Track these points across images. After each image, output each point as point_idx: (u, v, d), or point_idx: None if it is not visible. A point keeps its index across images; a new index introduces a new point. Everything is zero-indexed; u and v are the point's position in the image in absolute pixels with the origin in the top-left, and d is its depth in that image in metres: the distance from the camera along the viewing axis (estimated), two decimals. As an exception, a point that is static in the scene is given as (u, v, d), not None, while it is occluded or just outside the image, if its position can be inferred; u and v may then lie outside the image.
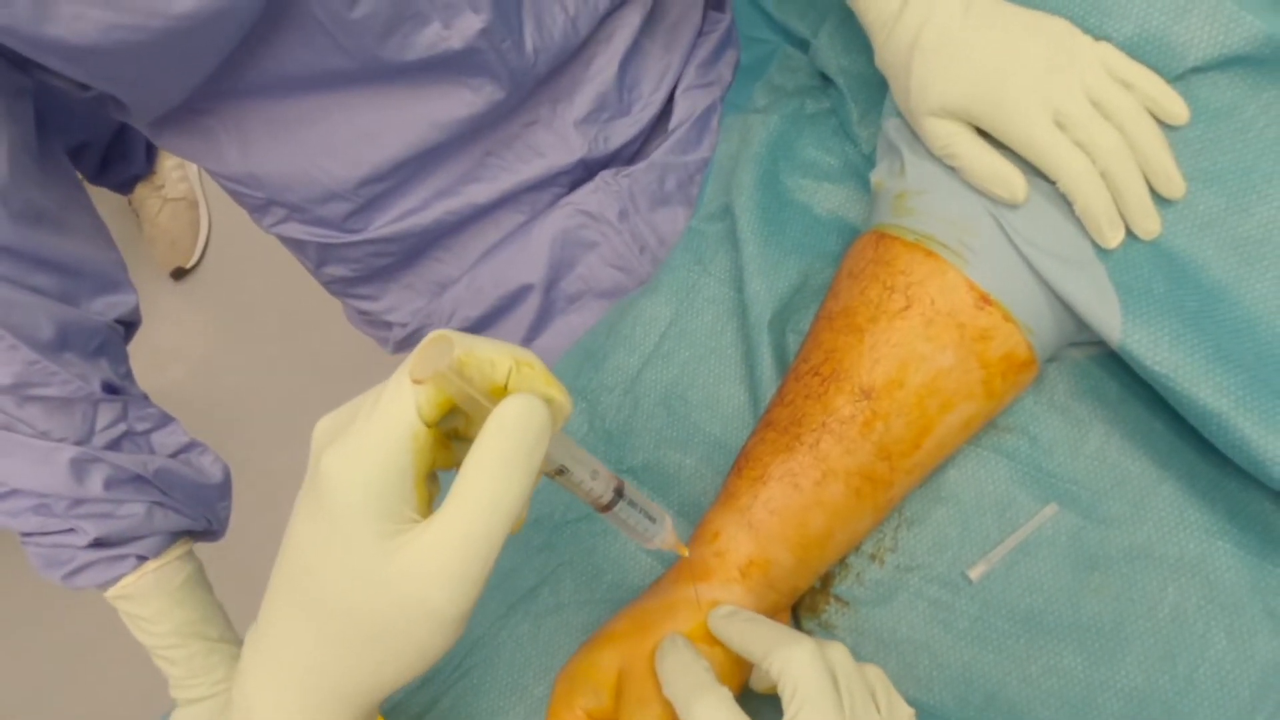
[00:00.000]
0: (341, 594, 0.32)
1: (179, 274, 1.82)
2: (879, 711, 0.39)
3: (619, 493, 0.40)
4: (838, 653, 0.40)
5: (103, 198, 1.83)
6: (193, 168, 1.85)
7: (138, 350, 0.72)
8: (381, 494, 0.32)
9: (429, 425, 0.32)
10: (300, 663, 0.34)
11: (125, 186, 1.77)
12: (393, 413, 0.32)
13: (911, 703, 0.49)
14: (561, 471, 0.38)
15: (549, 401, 0.34)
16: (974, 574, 0.50)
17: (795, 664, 0.38)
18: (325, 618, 0.33)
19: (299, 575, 0.34)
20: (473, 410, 0.33)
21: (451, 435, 0.37)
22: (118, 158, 1.68)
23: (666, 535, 0.43)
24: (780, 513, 0.47)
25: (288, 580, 0.34)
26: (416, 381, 0.32)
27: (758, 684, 0.46)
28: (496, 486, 0.32)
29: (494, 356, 0.33)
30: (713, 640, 0.45)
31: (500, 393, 0.34)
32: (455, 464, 0.37)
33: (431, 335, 0.33)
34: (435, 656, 0.33)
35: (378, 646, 0.33)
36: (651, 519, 0.42)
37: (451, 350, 0.32)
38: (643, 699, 0.43)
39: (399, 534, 0.32)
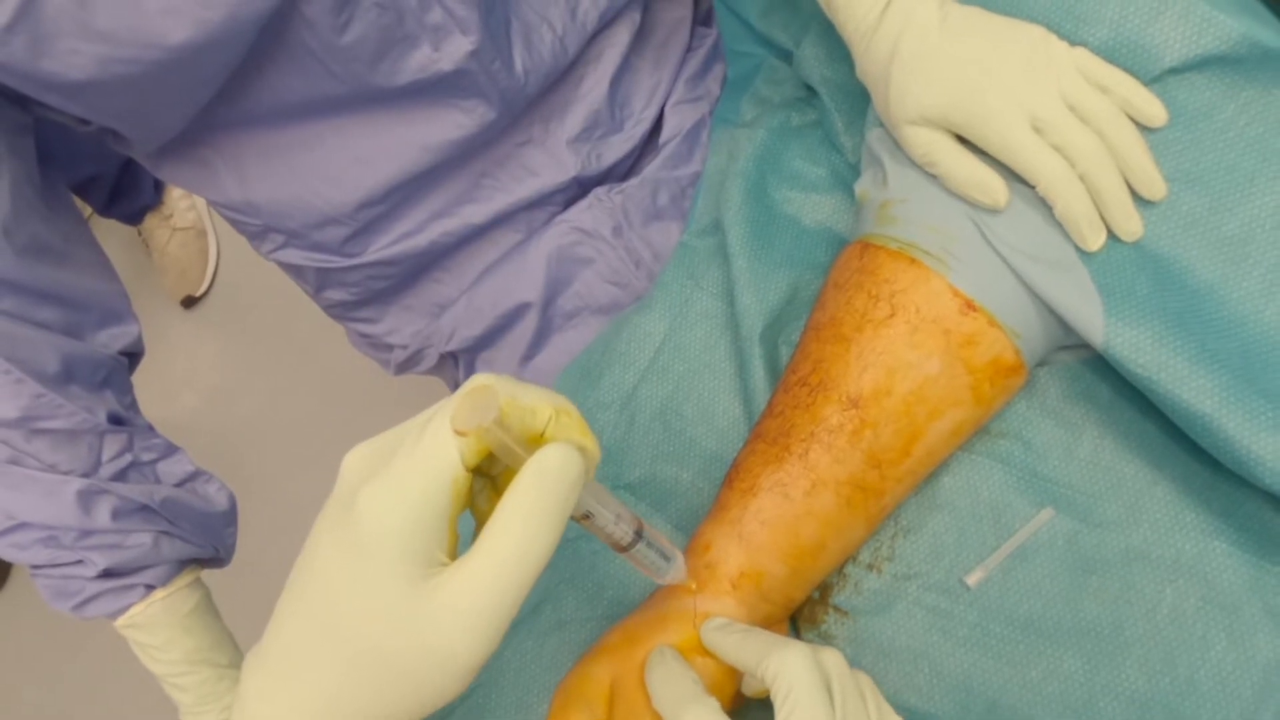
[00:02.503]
0: (367, 631, 0.32)
1: (189, 302, 1.84)
2: (870, 717, 0.39)
3: (638, 534, 0.40)
4: (831, 657, 0.40)
5: (112, 228, 1.86)
6: (200, 197, 1.87)
7: (149, 379, 0.72)
8: (418, 537, 0.32)
9: (468, 471, 0.33)
10: (315, 692, 0.34)
11: (134, 218, 1.79)
12: (436, 455, 0.32)
13: (913, 712, 0.49)
14: (587, 516, 0.38)
15: (581, 450, 0.34)
16: (972, 580, 0.50)
17: (789, 666, 0.38)
18: (347, 652, 0.33)
19: (322, 606, 0.33)
20: (506, 456, 0.33)
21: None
22: (126, 189, 1.69)
23: (678, 571, 0.43)
24: (771, 523, 0.47)
25: (307, 609, 0.34)
26: (460, 434, 0.32)
27: (748, 688, 0.46)
28: (530, 535, 0.32)
29: (535, 405, 0.34)
30: (704, 652, 0.45)
31: (537, 440, 0.34)
32: (470, 505, 0.37)
33: (476, 384, 0.33)
34: (450, 699, 0.33)
35: (397, 685, 0.33)
36: (666, 558, 0.42)
37: (496, 403, 0.32)
38: (633, 711, 0.44)
39: (430, 577, 0.32)
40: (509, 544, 0.32)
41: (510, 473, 0.38)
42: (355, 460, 0.35)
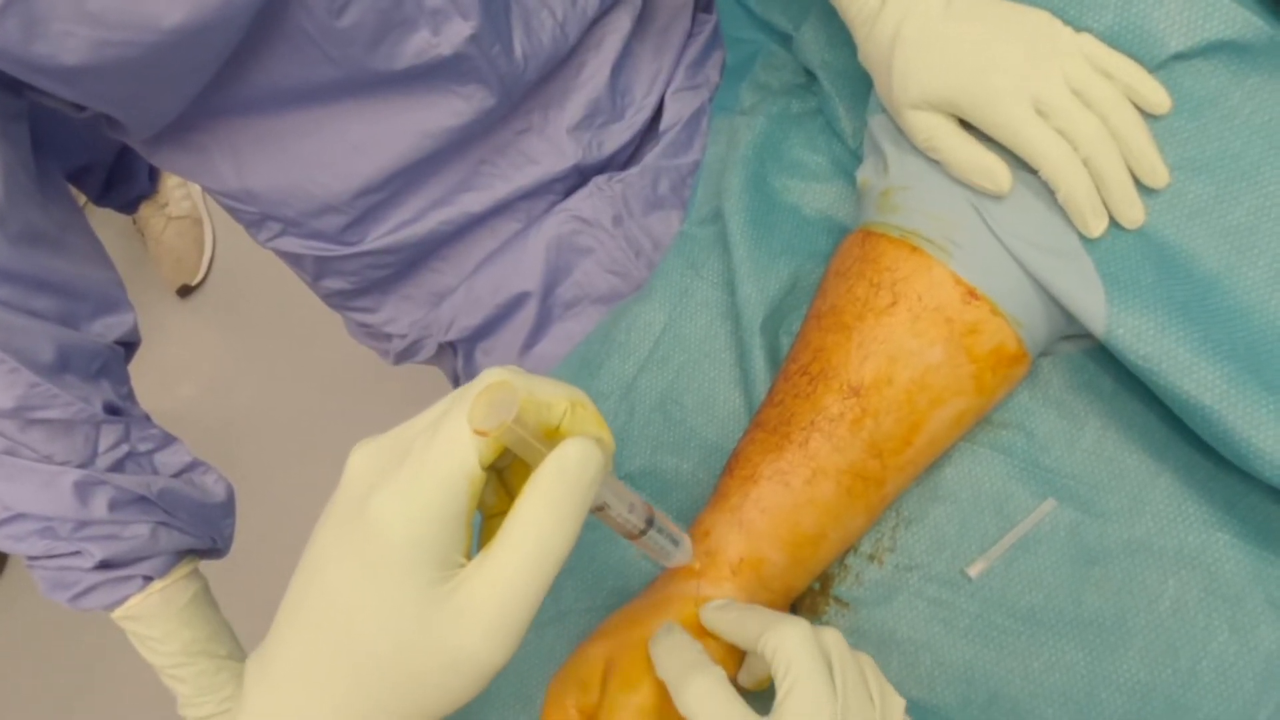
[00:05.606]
0: (383, 639, 0.32)
1: (185, 291, 1.83)
2: (871, 695, 0.38)
3: (650, 521, 0.40)
4: (831, 636, 0.40)
5: (107, 217, 1.85)
6: (195, 185, 1.86)
7: (145, 369, 0.72)
8: (436, 542, 0.31)
9: (485, 469, 0.32)
10: (326, 703, 0.33)
11: (129, 206, 1.78)
12: (452, 457, 0.31)
13: (914, 703, 0.48)
14: (602, 508, 0.38)
15: (598, 442, 0.33)
16: (973, 572, 0.49)
17: (789, 641, 0.38)
18: (361, 661, 0.32)
19: (332, 615, 0.33)
20: (524, 452, 0.33)
21: None
22: (121, 178, 1.69)
23: (685, 554, 0.43)
24: (771, 511, 0.47)
25: (316, 618, 0.33)
26: (480, 433, 0.31)
27: (746, 679, 0.46)
28: (552, 532, 0.31)
29: (551, 399, 0.33)
30: (703, 634, 0.45)
31: (553, 434, 0.33)
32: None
33: (492, 380, 0.32)
34: (466, 701, 0.33)
35: (414, 693, 0.32)
36: (675, 543, 0.42)
37: (516, 399, 0.31)
38: (629, 682, 0.43)
39: (447, 580, 0.31)
40: (531, 541, 0.31)
41: (519, 465, 0.38)
42: (361, 461, 0.33)
